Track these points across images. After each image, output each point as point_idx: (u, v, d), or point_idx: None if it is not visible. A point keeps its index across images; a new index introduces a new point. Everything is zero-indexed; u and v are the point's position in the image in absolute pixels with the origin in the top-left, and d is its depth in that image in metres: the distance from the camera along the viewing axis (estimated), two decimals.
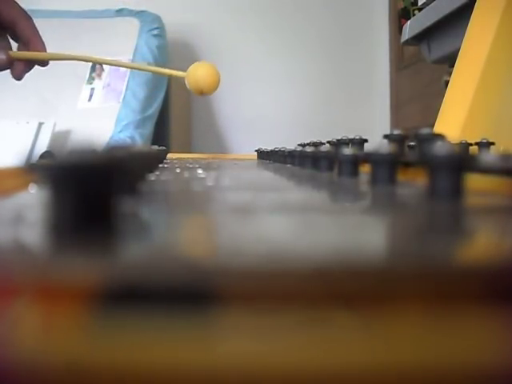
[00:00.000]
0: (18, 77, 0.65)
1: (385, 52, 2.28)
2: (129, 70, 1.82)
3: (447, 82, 0.70)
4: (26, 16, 0.64)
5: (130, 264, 0.10)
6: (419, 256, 0.11)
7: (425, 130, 0.33)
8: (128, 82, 1.81)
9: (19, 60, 0.64)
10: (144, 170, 0.28)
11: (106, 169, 0.12)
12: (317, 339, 0.09)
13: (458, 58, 0.68)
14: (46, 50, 0.65)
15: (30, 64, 0.65)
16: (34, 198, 0.22)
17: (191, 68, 0.72)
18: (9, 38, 0.66)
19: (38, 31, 0.65)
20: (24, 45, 0.64)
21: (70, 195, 0.12)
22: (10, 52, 0.63)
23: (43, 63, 0.66)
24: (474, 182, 0.22)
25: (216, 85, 0.72)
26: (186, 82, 0.71)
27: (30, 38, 0.64)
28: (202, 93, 0.72)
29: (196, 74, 0.71)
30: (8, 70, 0.65)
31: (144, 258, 0.11)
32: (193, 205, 0.22)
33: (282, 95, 2.29)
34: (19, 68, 0.64)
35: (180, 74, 0.75)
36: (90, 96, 1.82)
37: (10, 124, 1.65)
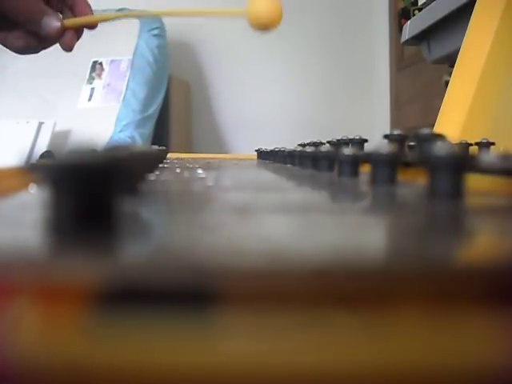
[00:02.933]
0: (70, 47, 0.60)
1: (385, 52, 2.28)
2: (129, 69, 1.82)
3: (447, 82, 0.70)
4: None
5: (130, 264, 0.10)
6: (419, 256, 0.11)
7: (425, 130, 0.33)
8: (128, 81, 1.81)
9: (71, 28, 0.59)
10: (144, 169, 0.28)
11: (105, 169, 0.12)
12: (317, 339, 0.09)
13: (458, 58, 0.68)
14: (92, 13, 0.61)
15: (79, 31, 0.61)
16: (34, 198, 0.22)
17: (250, 2, 0.69)
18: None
19: None
20: (70, 10, 0.60)
21: (70, 195, 0.12)
22: (64, 20, 0.59)
23: (92, 26, 0.61)
24: (474, 182, 0.22)
25: (280, 17, 0.67)
26: (247, 19, 0.67)
27: (74, 1, 0.59)
28: (266, 28, 0.66)
29: (257, 9, 0.65)
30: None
31: (144, 258, 0.11)
32: (193, 205, 0.22)
33: (282, 95, 2.29)
34: (69, 38, 0.59)
35: (237, 10, 0.70)
36: (90, 96, 1.82)
37: (10, 124, 1.65)
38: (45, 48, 0.60)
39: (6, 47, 0.59)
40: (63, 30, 0.58)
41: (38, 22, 0.56)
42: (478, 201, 0.23)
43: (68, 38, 0.59)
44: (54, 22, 0.57)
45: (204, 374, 0.08)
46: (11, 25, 0.56)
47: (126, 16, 0.67)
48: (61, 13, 0.60)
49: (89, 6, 0.60)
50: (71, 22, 0.59)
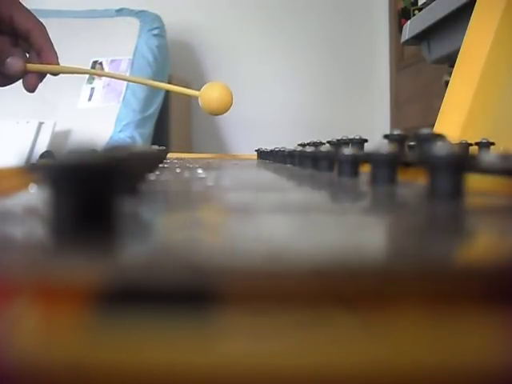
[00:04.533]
0: (32, 88, 0.63)
1: (385, 52, 2.28)
2: (129, 69, 1.82)
3: (447, 82, 0.70)
4: (40, 25, 0.63)
5: (130, 264, 0.10)
6: (419, 256, 0.11)
7: (425, 130, 0.33)
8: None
9: (32, 72, 0.62)
10: (144, 169, 0.28)
11: (105, 169, 0.12)
12: (317, 339, 0.09)
13: (458, 58, 0.68)
14: (58, 61, 0.64)
15: (42, 75, 0.64)
16: (33, 198, 0.22)
17: (204, 89, 0.74)
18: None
19: (51, 41, 0.63)
20: (36, 54, 0.63)
21: (70, 195, 0.12)
22: (28, 64, 0.62)
23: (55, 74, 0.65)
24: (474, 182, 0.22)
25: (229, 107, 0.74)
26: (200, 103, 0.73)
27: (43, 48, 0.62)
28: (215, 114, 0.75)
29: (210, 96, 0.72)
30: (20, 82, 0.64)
31: (144, 258, 0.11)
32: (193, 205, 0.22)
33: (282, 95, 2.29)
34: (32, 79, 0.62)
35: (193, 93, 0.75)
36: (90, 96, 1.82)
37: (10, 124, 1.65)
38: (8, 85, 0.64)
39: None
40: (26, 71, 0.61)
41: (2, 61, 0.60)
42: (478, 201, 0.23)
43: (31, 80, 0.63)
44: (17, 63, 0.61)
45: (204, 374, 0.08)
46: None
47: (87, 73, 0.74)
48: (28, 54, 0.63)
49: (55, 54, 0.63)
50: (34, 67, 0.62)
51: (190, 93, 0.76)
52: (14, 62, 0.60)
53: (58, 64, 0.63)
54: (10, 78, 0.62)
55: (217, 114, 0.74)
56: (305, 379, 0.08)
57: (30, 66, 0.62)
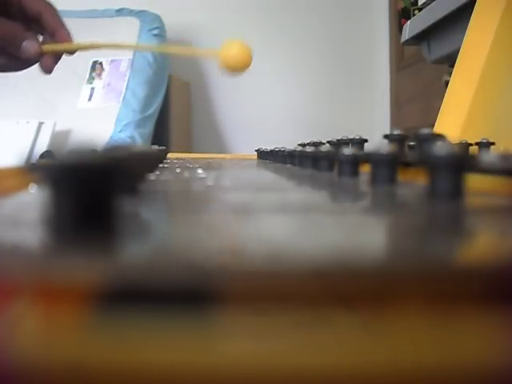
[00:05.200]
0: (49, 69, 0.63)
1: (385, 52, 2.28)
2: (129, 69, 1.82)
3: (447, 82, 0.70)
4: (51, 6, 0.63)
5: (130, 264, 0.10)
6: (419, 256, 0.11)
7: (425, 130, 0.33)
8: (128, 81, 1.81)
9: (48, 53, 0.62)
10: (144, 169, 0.28)
11: (105, 169, 0.12)
12: (317, 339, 0.09)
13: (458, 58, 0.68)
14: (72, 40, 0.63)
15: (58, 56, 0.64)
16: (33, 198, 0.22)
17: (223, 47, 0.69)
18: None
19: (63, 21, 0.63)
20: (50, 36, 0.62)
21: (70, 195, 0.12)
22: (43, 45, 0.61)
23: (71, 52, 0.65)
24: (474, 182, 0.22)
25: (249, 63, 0.70)
26: (218, 62, 0.68)
27: (55, 28, 0.62)
28: (234, 72, 0.69)
29: (228, 54, 0.68)
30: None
31: (144, 258, 0.11)
32: (193, 205, 0.22)
33: (281, 95, 2.29)
34: (48, 61, 0.62)
35: (211, 52, 0.72)
36: (90, 96, 1.82)
37: (10, 124, 1.65)
38: (25, 68, 0.64)
39: None
40: (42, 53, 0.61)
41: (18, 45, 0.60)
42: (478, 201, 0.23)
43: (47, 62, 0.62)
44: (33, 47, 0.60)
45: (204, 374, 0.08)
46: None
47: (105, 46, 0.71)
48: (41, 37, 0.63)
49: (69, 33, 0.63)
50: (50, 47, 0.62)
51: (207, 53, 0.74)
52: (29, 45, 0.60)
53: (72, 42, 0.64)
54: (27, 61, 0.62)
55: (236, 72, 0.69)
56: (305, 379, 0.08)
57: (46, 48, 0.61)
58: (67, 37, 0.62)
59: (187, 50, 0.82)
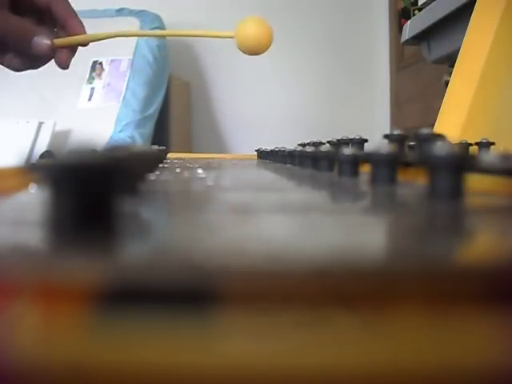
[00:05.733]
0: (65, 65, 0.60)
1: (385, 52, 2.28)
2: (129, 69, 1.82)
3: (447, 82, 0.70)
4: None
5: (130, 264, 0.10)
6: (419, 256, 0.11)
7: (425, 130, 0.33)
8: (128, 81, 1.81)
9: (62, 47, 0.59)
10: (144, 169, 0.28)
11: (105, 169, 0.12)
12: (317, 339, 0.09)
13: (458, 57, 0.68)
14: (85, 31, 0.61)
15: (73, 49, 0.61)
16: (33, 198, 0.22)
17: (239, 26, 0.65)
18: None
19: (74, 12, 0.60)
20: (62, 28, 0.60)
21: (70, 195, 0.12)
22: (55, 39, 0.59)
23: (85, 44, 0.62)
24: (474, 182, 0.22)
25: (269, 42, 0.64)
26: (236, 43, 0.64)
27: (66, 19, 0.59)
28: (254, 53, 0.64)
29: (245, 33, 0.64)
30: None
31: (144, 258, 0.11)
32: (193, 205, 0.22)
33: (281, 95, 2.29)
34: (63, 55, 0.59)
35: (226, 33, 0.66)
36: (90, 96, 1.82)
37: (10, 124, 1.65)
38: (41, 65, 0.61)
39: (5, 67, 0.60)
40: (54, 48, 0.58)
41: (28, 42, 0.57)
42: (478, 201, 0.23)
43: (62, 56, 0.60)
44: (44, 42, 0.58)
45: (204, 374, 0.08)
46: (3, 47, 0.57)
47: (118, 35, 0.68)
48: (54, 31, 0.60)
49: (81, 24, 0.60)
50: (62, 41, 0.59)
51: (221, 34, 0.68)
52: (40, 41, 0.57)
53: (85, 33, 0.61)
54: (40, 58, 0.59)
55: (256, 53, 0.64)
56: (305, 379, 0.08)
57: (58, 42, 0.59)
58: (79, 27, 0.60)
59: (200, 33, 0.77)
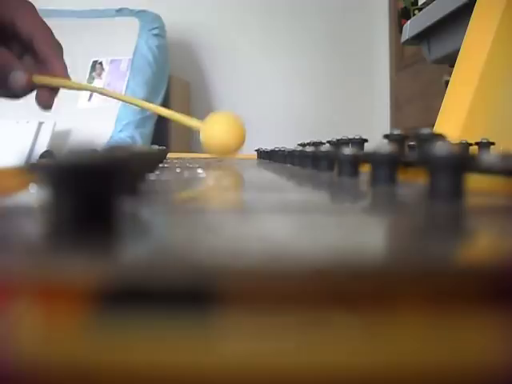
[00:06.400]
0: (45, 105, 0.56)
1: (385, 52, 2.28)
2: (129, 68, 1.82)
3: (447, 82, 0.70)
4: (44, 30, 0.55)
5: (131, 264, 0.10)
6: (419, 256, 0.11)
7: (425, 130, 0.33)
8: (128, 81, 1.81)
9: (42, 86, 0.55)
10: (144, 169, 0.28)
11: (106, 169, 0.12)
12: (317, 340, 0.09)
13: (458, 57, 0.68)
14: (66, 72, 0.56)
15: (55, 89, 0.57)
16: (33, 198, 0.22)
17: (207, 122, 0.56)
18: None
19: (57, 49, 0.56)
20: (43, 64, 0.55)
21: (70, 195, 0.12)
22: (34, 77, 0.55)
23: (65, 88, 0.59)
24: (474, 182, 0.22)
25: (238, 147, 0.55)
26: (201, 138, 0.56)
27: (47, 57, 0.55)
28: (220, 155, 0.55)
29: (212, 133, 0.54)
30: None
31: (144, 259, 0.11)
32: (193, 205, 0.22)
33: (281, 95, 2.29)
34: (44, 95, 0.56)
35: (194, 124, 0.58)
36: (90, 96, 1.82)
37: (10, 124, 1.65)
38: (20, 97, 0.58)
39: None
40: (31, 85, 0.55)
41: (5, 75, 0.54)
42: (478, 201, 0.23)
43: (43, 95, 0.56)
44: (20, 78, 0.54)
45: (204, 374, 0.08)
46: None
47: (97, 91, 0.63)
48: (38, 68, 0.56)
49: (62, 65, 0.56)
50: (42, 79, 0.56)
51: (190, 123, 0.61)
52: (16, 77, 0.54)
53: (67, 76, 0.57)
54: (17, 93, 0.56)
55: (223, 155, 0.55)
56: (305, 379, 0.08)
57: (38, 79, 0.55)
58: (60, 69, 0.56)
59: (171, 115, 0.67)
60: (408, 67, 2.05)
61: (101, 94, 0.65)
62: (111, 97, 0.73)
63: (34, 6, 0.56)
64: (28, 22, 0.55)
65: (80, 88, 0.61)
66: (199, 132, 0.57)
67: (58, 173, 0.12)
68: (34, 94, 0.58)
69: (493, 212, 0.20)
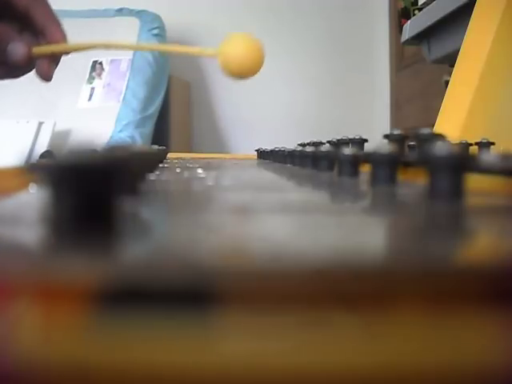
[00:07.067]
0: (46, 75, 0.55)
1: (385, 52, 2.28)
2: (129, 68, 1.82)
3: (447, 82, 0.70)
4: (41, 0, 0.54)
5: (130, 264, 0.10)
6: (419, 256, 0.11)
7: (425, 130, 0.33)
8: (128, 81, 1.81)
9: (42, 57, 0.54)
10: (144, 169, 0.28)
11: (106, 169, 0.12)
12: (317, 339, 0.09)
13: (458, 57, 0.68)
14: (66, 39, 0.55)
15: (55, 59, 0.55)
16: (33, 198, 0.22)
17: (224, 44, 0.56)
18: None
19: (56, 18, 0.55)
20: (42, 36, 0.54)
21: (70, 195, 0.12)
22: (34, 48, 0.54)
23: (67, 53, 0.57)
24: (474, 182, 0.22)
25: (259, 66, 0.55)
26: (219, 63, 0.56)
27: (46, 25, 0.54)
28: (239, 77, 0.55)
29: (229, 55, 0.55)
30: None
31: (144, 258, 0.11)
32: (193, 205, 0.22)
33: (282, 95, 2.29)
34: (45, 65, 0.54)
35: (209, 52, 0.58)
36: (90, 95, 1.82)
37: (10, 124, 1.65)
38: (21, 75, 0.57)
39: None
40: (33, 57, 0.54)
41: (3, 48, 0.53)
42: (478, 201, 0.23)
43: (44, 67, 0.55)
44: (19, 49, 0.53)
45: (204, 374, 0.08)
46: None
47: (103, 46, 0.63)
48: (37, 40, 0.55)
49: (62, 31, 0.56)
50: (41, 49, 0.55)
51: (203, 52, 0.60)
52: (15, 48, 0.53)
53: (66, 42, 0.56)
54: (16, 67, 0.54)
55: (244, 77, 0.55)
56: (305, 379, 0.08)
57: (37, 50, 0.54)
58: (59, 34, 0.55)
59: (185, 49, 0.67)
60: (408, 67, 2.05)
61: (105, 47, 0.63)
62: (117, 47, 0.70)
63: None
64: None
65: (82, 48, 0.59)
66: (217, 58, 0.55)
67: (58, 173, 0.12)
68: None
69: (493, 212, 0.20)
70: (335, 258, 0.11)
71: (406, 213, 0.20)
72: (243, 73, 0.54)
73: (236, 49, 0.55)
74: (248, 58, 0.55)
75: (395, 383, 0.08)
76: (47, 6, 0.56)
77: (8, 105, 1.77)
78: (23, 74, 0.57)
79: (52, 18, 0.56)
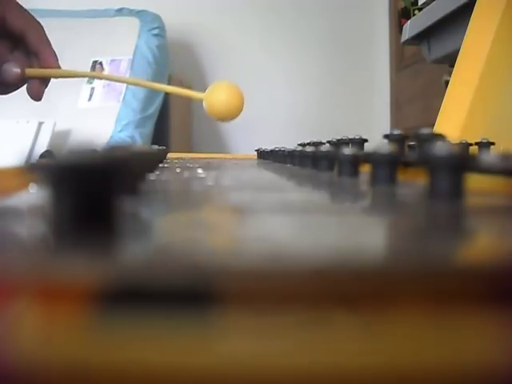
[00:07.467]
0: (36, 95, 0.59)
1: (385, 52, 2.28)
2: (129, 69, 1.82)
3: (447, 82, 0.70)
4: (36, 25, 0.58)
5: (131, 264, 0.10)
6: (419, 256, 0.11)
7: (425, 130, 0.33)
8: None
9: (34, 78, 0.58)
10: (144, 169, 0.28)
11: (106, 169, 0.12)
12: (317, 339, 0.09)
13: (458, 57, 0.68)
14: (57, 63, 0.59)
15: (45, 80, 0.59)
16: (33, 198, 0.22)
17: (210, 90, 0.63)
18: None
19: (48, 42, 0.58)
20: (35, 57, 0.58)
21: (70, 195, 0.12)
22: (27, 69, 0.57)
23: (56, 77, 0.61)
24: (474, 182, 0.22)
25: (239, 111, 0.63)
26: (204, 106, 0.64)
27: (39, 49, 0.57)
28: (223, 119, 0.63)
29: (216, 98, 0.62)
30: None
31: (144, 258, 0.11)
32: (193, 205, 0.22)
33: (281, 95, 2.29)
34: (35, 86, 0.58)
35: (197, 95, 0.65)
36: (90, 95, 1.82)
37: (10, 124, 1.65)
38: (10, 92, 0.60)
39: None
40: (23, 77, 0.57)
41: None
42: (478, 201, 0.23)
43: (34, 87, 0.58)
44: (13, 70, 0.57)
45: (204, 374, 0.08)
46: None
47: (96, 77, 0.66)
48: (28, 61, 0.58)
49: (54, 56, 0.59)
50: (34, 71, 0.58)
51: (193, 95, 0.67)
52: (9, 69, 0.57)
53: (58, 66, 0.59)
54: (9, 85, 0.58)
55: (225, 119, 0.63)
56: (305, 379, 0.08)
57: (30, 72, 0.58)
58: (52, 60, 0.58)
59: (175, 90, 0.73)
60: (408, 67, 2.05)
61: (97, 78, 0.69)
62: (110, 80, 0.76)
63: (20, 4, 0.59)
64: (19, 17, 0.57)
65: (73, 75, 0.64)
66: (202, 102, 0.64)
67: (58, 173, 0.12)
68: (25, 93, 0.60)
69: (493, 212, 0.20)
70: (335, 258, 0.11)
71: (406, 213, 0.20)
72: (225, 117, 0.63)
73: (219, 97, 0.62)
74: (229, 106, 0.62)
75: (395, 383, 0.08)
76: (41, 30, 0.59)
77: (8, 105, 1.77)
78: (13, 91, 0.61)
79: (45, 42, 0.58)
